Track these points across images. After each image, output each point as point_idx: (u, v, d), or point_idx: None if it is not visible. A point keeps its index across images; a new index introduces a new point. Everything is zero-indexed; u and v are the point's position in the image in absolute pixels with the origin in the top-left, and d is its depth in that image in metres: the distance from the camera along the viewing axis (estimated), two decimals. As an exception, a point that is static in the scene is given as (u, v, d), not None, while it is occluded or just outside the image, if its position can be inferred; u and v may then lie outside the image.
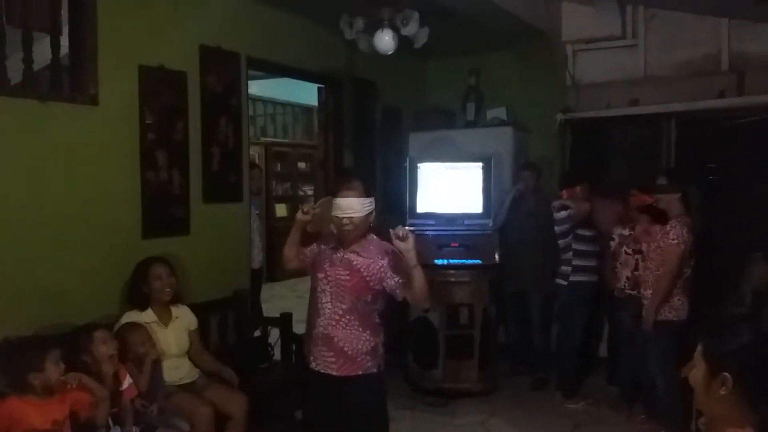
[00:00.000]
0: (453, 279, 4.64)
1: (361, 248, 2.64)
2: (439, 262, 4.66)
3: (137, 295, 3.27)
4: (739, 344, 1.49)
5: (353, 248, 2.64)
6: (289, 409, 3.73)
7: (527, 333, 4.99)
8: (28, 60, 3.10)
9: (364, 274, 2.60)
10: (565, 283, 4.56)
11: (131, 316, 3.18)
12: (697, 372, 1.54)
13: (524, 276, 4.82)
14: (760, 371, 1.45)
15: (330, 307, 2.64)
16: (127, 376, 2.88)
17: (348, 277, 2.61)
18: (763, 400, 1.43)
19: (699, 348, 1.54)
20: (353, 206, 2.61)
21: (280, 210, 9.28)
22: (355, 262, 2.62)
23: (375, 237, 2.70)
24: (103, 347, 2.78)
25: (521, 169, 5.02)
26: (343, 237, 2.65)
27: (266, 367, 3.89)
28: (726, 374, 1.45)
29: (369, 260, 2.61)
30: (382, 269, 2.59)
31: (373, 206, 2.69)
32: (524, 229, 4.79)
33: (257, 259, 4.97)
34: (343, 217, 2.61)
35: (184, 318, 3.35)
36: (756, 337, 1.51)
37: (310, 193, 9.58)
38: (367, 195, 2.67)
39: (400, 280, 2.57)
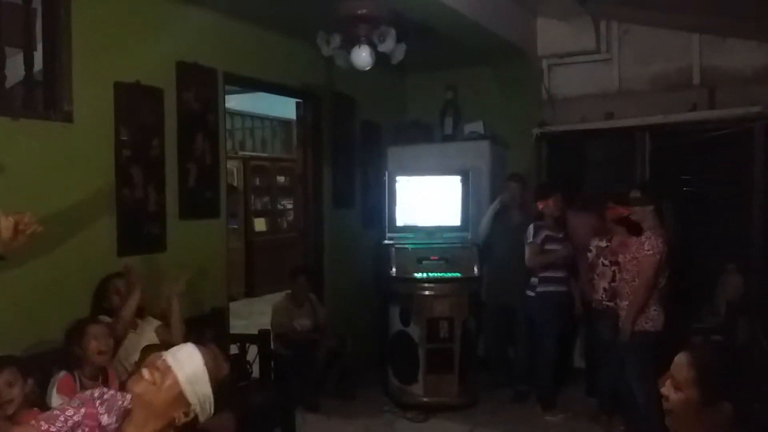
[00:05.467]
0: (433, 292, 4.63)
1: None
2: (418, 275, 4.66)
3: (99, 311, 3.25)
4: (731, 369, 1.49)
5: None
6: (269, 428, 3.70)
7: (507, 346, 5.00)
8: (0, 76, 3.05)
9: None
10: (533, 294, 4.60)
11: (103, 318, 3.16)
12: (684, 398, 1.50)
13: (509, 290, 4.80)
14: (755, 398, 1.46)
15: None
16: (116, 383, 2.84)
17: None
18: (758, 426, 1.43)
19: (688, 374, 1.50)
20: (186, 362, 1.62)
21: (259, 224, 9.23)
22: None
23: None
24: (94, 342, 2.77)
25: (507, 180, 5.02)
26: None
27: (245, 385, 3.84)
28: (727, 403, 1.43)
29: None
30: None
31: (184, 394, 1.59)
32: (509, 244, 4.78)
33: None
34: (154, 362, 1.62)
35: (150, 323, 3.34)
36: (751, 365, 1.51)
37: (289, 207, 9.54)
38: (214, 374, 1.64)
39: None
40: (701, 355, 1.54)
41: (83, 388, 2.70)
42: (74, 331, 2.84)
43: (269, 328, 4.52)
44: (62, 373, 2.74)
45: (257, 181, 9.36)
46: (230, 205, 4.88)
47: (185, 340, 3.36)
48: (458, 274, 4.69)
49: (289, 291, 4.88)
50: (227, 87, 4.31)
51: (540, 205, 4.62)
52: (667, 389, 1.55)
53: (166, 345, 3.18)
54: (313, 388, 4.58)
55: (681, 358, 1.55)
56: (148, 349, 3.04)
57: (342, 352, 4.76)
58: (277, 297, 5.06)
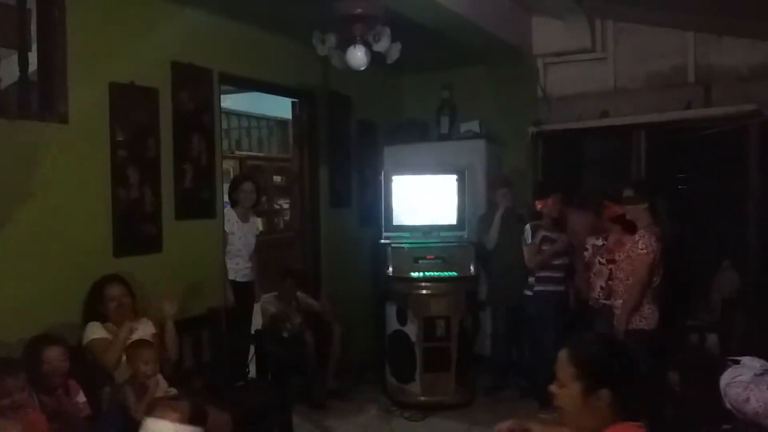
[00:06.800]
0: (429, 291, 4.64)
1: None
2: (415, 274, 4.67)
3: (94, 314, 3.23)
4: (604, 359, 1.62)
5: None
6: (266, 428, 3.70)
7: (511, 346, 5.00)
8: (-6, 78, 3.05)
9: None
10: (530, 293, 4.60)
11: (94, 327, 3.15)
12: (568, 392, 1.64)
13: (512, 288, 4.77)
14: (627, 380, 1.61)
15: None
16: (80, 392, 2.83)
17: None
18: (633, 403, 1.62)
19: (569, 370, 1.63)
20: None
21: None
22: None
23: None
24: (46, 365, 2.73)
25: (499, 187, 4.97)
26: None
27: (241, 386, 3.84)
28: (605, 390, 1.58)
29: None
30: None
31: None
32: (504, 245, 4.78)
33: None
34: None
35: (144, 330, 3.31)
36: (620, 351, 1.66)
37: (285, 206, 9.53)
38: (196, 422, 1.83)
39: None
40: (578, 349, 1.67)
41: (41, 403, 2.68)
42: (28, 352, 2.77)
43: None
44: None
45: (254, 181, 9.33)
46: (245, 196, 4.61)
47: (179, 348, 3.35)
48: (454, 273, 4.70)
49: (275, 292, 4.85)
50: (223, 87, 4.31)
51: (539, 205, 4.62)
52: (554, 387, 1.69)
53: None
54: (317, 383, 4.59)
55: (561, 356, 1.68)
56: (134, 345, 3.03)
57: (329, 338, 4.75)
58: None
